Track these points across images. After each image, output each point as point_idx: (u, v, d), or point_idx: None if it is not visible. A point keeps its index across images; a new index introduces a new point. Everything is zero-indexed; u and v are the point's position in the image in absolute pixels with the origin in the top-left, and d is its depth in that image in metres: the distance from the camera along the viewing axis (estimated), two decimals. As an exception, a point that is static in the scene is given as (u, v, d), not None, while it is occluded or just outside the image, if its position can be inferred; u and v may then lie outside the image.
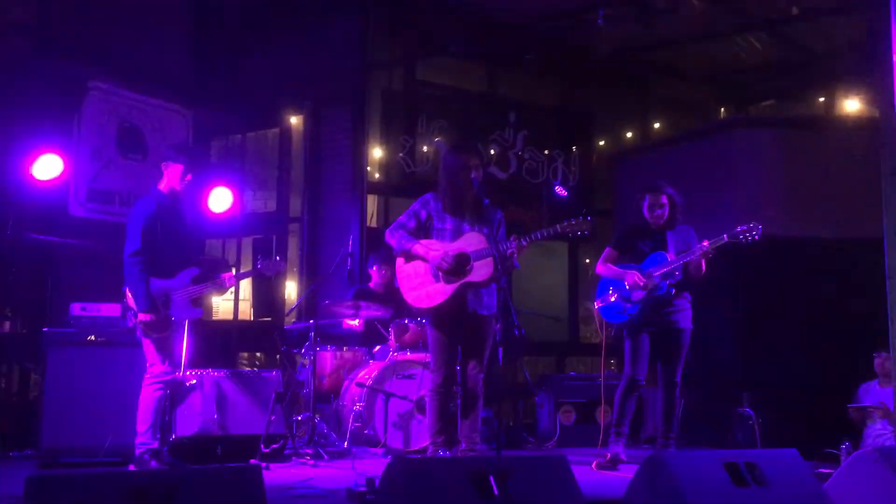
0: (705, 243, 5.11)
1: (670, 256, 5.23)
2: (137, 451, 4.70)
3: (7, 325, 6.29)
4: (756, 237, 5.07)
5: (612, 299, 5.33)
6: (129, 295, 4.77)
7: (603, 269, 5.43)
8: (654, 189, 5.33)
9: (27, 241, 6.17)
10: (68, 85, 6.91)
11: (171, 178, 4.92)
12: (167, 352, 4.78)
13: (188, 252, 4.99)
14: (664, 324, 5.27)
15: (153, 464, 4.65)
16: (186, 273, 4.88)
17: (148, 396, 4.74)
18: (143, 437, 4.71)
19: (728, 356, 7.20)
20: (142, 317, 4.69)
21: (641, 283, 5.17)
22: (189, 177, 4.96)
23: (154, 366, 4.76)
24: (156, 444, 4.72)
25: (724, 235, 5.10)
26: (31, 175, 6.04)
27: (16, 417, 5.79)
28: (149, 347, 4.76)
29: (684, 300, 5.33)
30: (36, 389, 5.55)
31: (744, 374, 6.94)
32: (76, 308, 5.38)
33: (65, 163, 6.30)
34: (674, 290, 5.22)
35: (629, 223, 5.49)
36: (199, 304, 5.01)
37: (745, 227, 5.06)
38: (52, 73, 6.78)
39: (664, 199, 5.31)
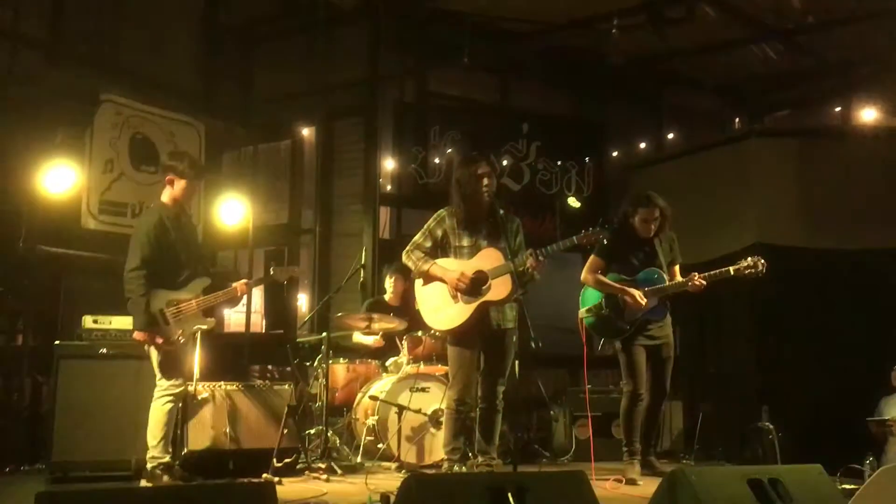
0: (701, 280, 5.07)
1: (669, 271, 5.24)
2: (150, 466, 4.64)
3: (19, 337, 6.26)
4: (761, 274, 5.02)
5: (604, 313, 5.25)
6: None
7: (593, 280, 5.29)
8: (647, 202, 5.24)
9: (39, 254, 6.15)
10: (81, 97, 6.91)
11: (175, 191, 4.86)
12: (175, 365, 4.71)
13: (198, 263, 4.93)
14: (658, 338, 5.26)
15: (165, 478, 4.59)
16: (197, 284, 4.83)
17: (158, 410, 4.67)
18: (155, 451, 4.65)
19: (745, 369, 7.11)
20: (137, 335, 4.63)
21: (643, 305, 5.11)
22: (192, 189, 4.90)
23: (162, 379, 4.70)
24: (167, 458, 4.67)
25: (730, 269, 5.06)
26: (44, 188, 6.03)
27: (27, 431, 5.75)
28: (156, 360, 4.70)
29: (668, 313, 5.33)
30: (47, 402, 5.51)
31: (762, 386, 6.84)
32: (88, 321, 5.34)
33: (77, 175, 6.30)
34: (667, 307, 5.21)
35: (614, 231, 5.39)
36: (210, 315, 4.96)
37: (749, 263, 5.02)
38: (64, 85, 6.78)
39: (657, 213, 5.25)
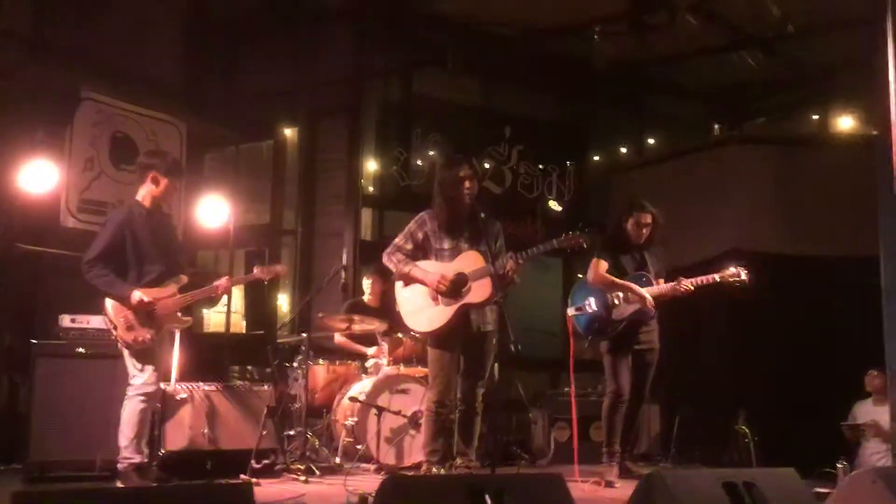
0: (689, 284, 5.15)
1: (655, 281, 5.30)
2: (121, 466, 4.60)
3: (-4, 336, 6.21)
4: (744, 283, 5.13)
5: (591, 311, 5.30)
6: (107, 310, 4.68)
7: (603, 279, 5.30)
8: (641, 208, 5.36)
9: (18, 252, 6.10)
10: (61, 94, 6.85)
11: (156, 189, 4.82)
12: (148, 363, 4.66)
13: (175, 261, 4.90)
14: (643, 343, 5.34)
15: (135, 478, 4.54)
16: (172, 282, 4.79)
17: (130, 410, 4.62)
18: (127, 451, 4.61)
19: (722, 374, 7.18)
20: (135, 299, 4.54)
21: (651, 308, 5.18)
22: (172, 188, 4.87)
23: (135, 377, 4.65)
24: (138, 459, 4.62)
25: (716, 276, 5.17)
26: (23, 186, 5.98)
27: (3, 430, 5.70)
28: (129, 359, 4.66)
29: (655, 319, 5.40)
30: (24, 402, 5.47)
31: (738, 391, 6.91)
32: (66, 320, 5.31)
33: (57, 173, 6.25)
34: (654, 312, 5.29)
35: (608, 236, 5.47)
36: (187, 314, 4.93)
37: (734, 272, 5.15)
38: (44, 82, 6.73)
39: (650, 219, 5.32)
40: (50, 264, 6.43)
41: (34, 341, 5.23)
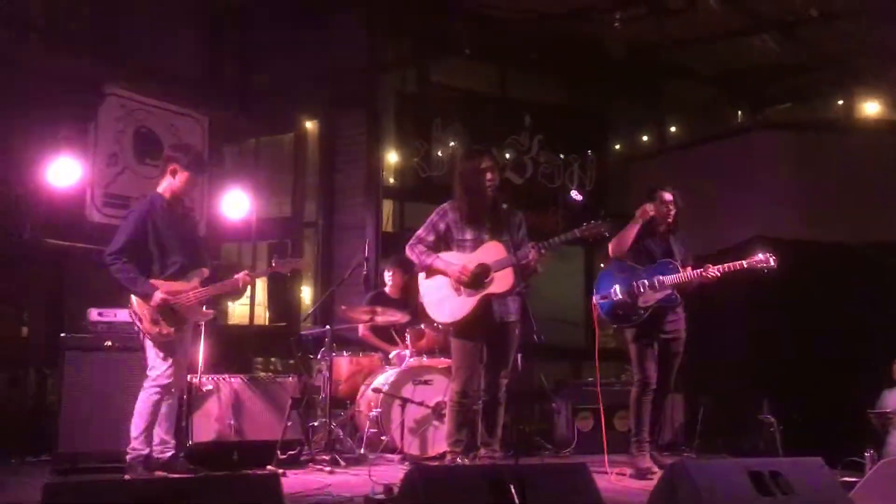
0: (716, 271, 5.12)
1: (681, 268, 5.24)
2: (128, 457, 4.62)
3: (25, 329, 6.29)
4: (772, 269, 5.07)
5: (616, 297, 5.28)
6: (132, 303, 4.72)
7: (617, 243, 5.28)
8: (660, 187, 5.37)
9: (44, 247, 6.17)
10: (84, 90, 6.91)
11: (176, 182, 4.84)
12: (170, 355, 4.69)
13: (197, 254, 4.93)
14: (668, 332, 5.30)
15: (141, 470, 4.57)
16: (194, 275, 4.83)
17: (144, 402, 4.66)
18: (136, 442, 4.64)
19: (748, 361, 7.13)
20: (156, 299, 4.59)
21: (648, 213, 5.20)
22: (193, 182, 4.90)
23: (153, 369, 4.69)
24: (147, 451, 4.65)
25: (743, 263, 5.12)
26: (49, 180, 6.05)
27: (32, 422, 5.79)
28: (151, 350, 4.70)
29: (681, 307, 5.37)
30: (53, 394, 5.54)
31: (763, 379, 6.86)
32: (93, 313, 5.38)
33: (81, 168, 6.32)
34: (680, 300, 5.24)
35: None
36: (211, 306, 4.97)
37: (762, 258, 5.09)
38: (67, 77, 6.79)
39: (671, 197, 5.34)
40: (76, 258, 6.51)
41: (62, 335, 5.31)
